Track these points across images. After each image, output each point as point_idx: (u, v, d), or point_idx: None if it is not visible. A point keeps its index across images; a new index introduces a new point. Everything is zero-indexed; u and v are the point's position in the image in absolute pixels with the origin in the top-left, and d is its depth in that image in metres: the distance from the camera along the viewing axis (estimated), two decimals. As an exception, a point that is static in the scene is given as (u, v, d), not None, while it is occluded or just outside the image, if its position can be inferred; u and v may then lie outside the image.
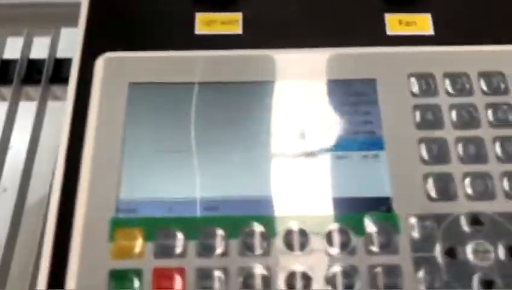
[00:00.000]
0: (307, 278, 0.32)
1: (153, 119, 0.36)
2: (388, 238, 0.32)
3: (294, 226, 0.33)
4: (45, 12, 0.53)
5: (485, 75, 0.37)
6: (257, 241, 0.32)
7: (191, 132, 0.35)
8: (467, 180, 0.34)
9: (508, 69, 0.37)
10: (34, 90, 0.51)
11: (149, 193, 0.34)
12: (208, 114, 0.36)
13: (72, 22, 0.40)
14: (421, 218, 0.33)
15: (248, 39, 0.38)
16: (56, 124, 0.40)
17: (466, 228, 0.33)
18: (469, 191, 0.34)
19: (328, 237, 0.33)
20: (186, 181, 0.34)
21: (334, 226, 0.33)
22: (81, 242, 0.32)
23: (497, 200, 0.33)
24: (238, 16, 0.39)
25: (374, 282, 0.31)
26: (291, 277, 0.32)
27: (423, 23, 0.39)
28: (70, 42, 0.45)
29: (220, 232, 0.33)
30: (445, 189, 0.34)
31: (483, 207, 0.33)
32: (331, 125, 0.36)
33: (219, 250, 0.32)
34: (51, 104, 0.50)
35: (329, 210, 0.33)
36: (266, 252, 0.32)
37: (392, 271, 0.32)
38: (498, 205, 0.33)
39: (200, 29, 0.39)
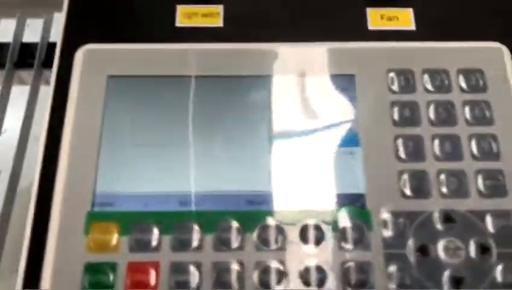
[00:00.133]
0: (281, 273, 0.32)
1: (131, 113, 0.36)
2: (361, 235, 0.33)
3: (270, 221, 0.33)
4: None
5: (464, 72, 0.37)
6: (232, 236, 0.33)
7: (169, 126, 0.35)
8: (441, 178, 0.34)
9: (488, 66, 0.37)
10: (27, 74, 0.51)
11: (126, 187, 0.34)
12: (187, 108, 0.36)
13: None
14: (394, 215, 0.33)
15: (228, 32, 0.38)
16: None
17: (438, 225, 0.33)
18: (443, 188, 0.34)
19: (303, 233, 0.33)
20: (163, 176, 0.34)
21: (309, 222, 0.33)
22: (57, 235, 0.33)
23: (471, 198, 0.34)
24: (219, 8, 0.39)
25: (345, 278, 0.32)
26: (265, 272, 0.32)
27: (405, 18, 0.39)
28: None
29: (195, 226, 0.33)
30: (419, 186, 0.34)
31: (456, 205, 0.34)
32: (309, 120, 0.36)
33: (194, 244, 0.33)
34: (44, 88, 0.50)
35: (304, 205, 0.34)
36: (241, 247, 0.33)
37: (364, 267, 0.32)
38: (471, 203, 0.34)
39: (180, 21, 0.39)
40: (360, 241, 0.33)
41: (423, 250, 0.33)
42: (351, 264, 0.32)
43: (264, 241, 0.33)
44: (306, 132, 0.35)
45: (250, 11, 0.39)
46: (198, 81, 0.37)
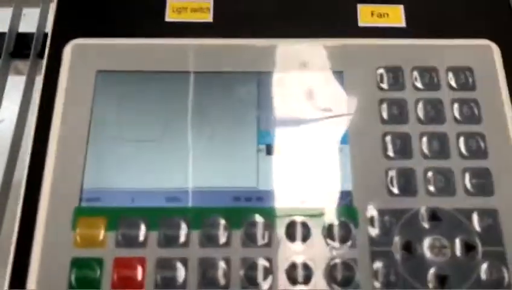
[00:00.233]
0: (267, 270, 0.32)
1: (120, 108, 0.36)
2: (347, 232, 0.33)
3: (257, 218, 0.33)
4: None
5: (454, 70, 0.37)
6: (219, 233, 0.33)
7: (157, 122, 0.35)
8: (428, 176, 0.34)
9: (478, 64, 0.37)
10: (23, 64, 0.51)
11: (113, 183, 0.34)
12: (175, 104, 0.36)
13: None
14: (381, 212, 0.33)
15: (218, 28, 0.38)
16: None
17: (424, 223, 0.33)
18: (430, 186, 0.34)
19: (290, 230, 0.33)
20: (150, 171, 0.34)
21: (296, 219, 0.33)
22: (44, 230, 0.33)
23: (457, 197, 0.34)
24: (208, 3, 0.39)
25: (331, 275, 0.32)
26: (251, 269, 0.32)
27: (395, 15, 0.39)
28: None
29: (181, 223, 0.33)
30: (406, 184, 0.34)
31: (442, 203, 0.34)
32: (298, 117, 0.36)
33: (180, 241, 0.33)
34: (40, 79, 0.50)
35: (291, 202, 0.34)
36: (228, 244, 0.33)
37: (349, 264, 0.32)
38: (458, 201, 0.34)
39: (170, 16, 0.39)
40: (347, 239, 0.33)
41: (409, 248, 0.33)
42: (337, 261, 0.32)
43: (250, 238, 0.33)
44: (294, 129, 0.35)
45: (239, 6, 0.39)
46: (187, 77, 0.37)
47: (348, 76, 0.37)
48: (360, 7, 0.39)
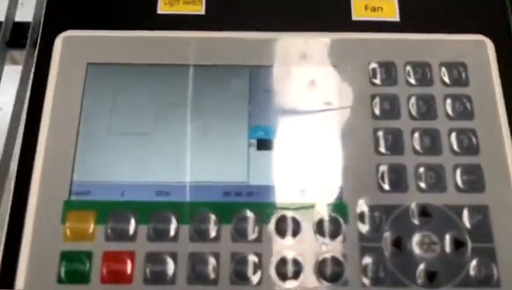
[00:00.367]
0: (256, 265, 0.32)
1: (110, 102, 0.35)
2: (337, 228, 0.33)
3: (247, 213, 0.33)
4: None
5: (447, 66, 0.37)
6: (209, 227, 0.33)
7: (148, 115, 0.35)
8: (420, 172, 0.34)
9: (471, 59, 0.37)
10: (19, 54, 0.51)
11: (103, 176, 0.34)
12: (166, 98, 0.36)
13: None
14: (371, 208, 0.33)
15: (210, 20, 0.38)
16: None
17: (414, 219, 0.33)
18: (420, 182, 0.34)
19: (279, 225, 0.33)
20: (140, 165, 0.34)
21: (286, 214, 0.33)
22: (33, 224, 0.33)
23: (448, 193, 0.34)
24: (201, -5, 0.39)
25: (320, 270, 0.32)
26: (241, 263, 0.32)
27: (389, 9, 0.39)
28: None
29: (171, 217, 0.33)
30: (397, 180, 0.34)
31: (433, 199, 0.34)
32: (289, 112, 0.36)
33: (170, 235, 0.33)
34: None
35: (281, 197, 0.34)
36: (217, 238, 0.33)
37: (339, 260, 0.32)
38: (448, 197, 0.34)
39: (162, 8, 0.38)
40: (336, 234, 0.33)
41: (399, 244, 0.33)
42: (327, 256, 0.32)
43: (240, 233, 0.33)
44: (285, 124, 0.35)
45: (232, -1, 0.39)
46: (178, 70, 0.36)
47: (340, 71, 0.36)
48: (354, 1, 0.39)
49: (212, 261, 0.32)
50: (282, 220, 0.33)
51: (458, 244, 0.33)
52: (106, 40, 0.37)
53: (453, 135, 0.35)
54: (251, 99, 0.36)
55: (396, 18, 0.38)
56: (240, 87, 0.36)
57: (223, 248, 0.32)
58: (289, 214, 0.33)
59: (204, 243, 0.32)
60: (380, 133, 0.35)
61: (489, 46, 0.37)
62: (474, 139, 0.35)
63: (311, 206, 0.33)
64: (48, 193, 0.33)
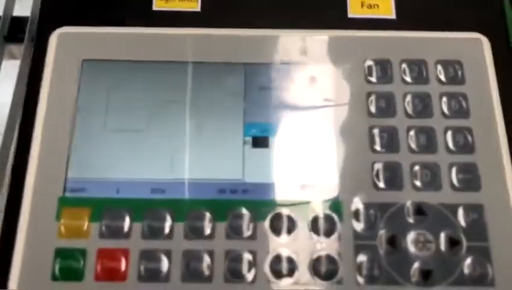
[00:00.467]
0: (251, 263, 0.32)
1: (105, 98, 0.35)
2: (331, 225, 0.33)
3: (242, 210, 0.33)
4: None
5: (443, 64, 0.37)
6: (203, 225, 0.33)
7: (143, 112, 0.35)
8: (415, 170, 0.34)
9: (467, 57, 0.37)
10: (17, 49, 0.51)
11: (98, 173, 0.34)
12: (161, 94, 0.36)
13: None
14: (366, 206, 0.33)
15: (206, 17, 0.38)
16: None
17: (409, 217, 0.33)
18: (416, 181, 0.34)
19: (274, 222, 0.33)
20: (135, 162, 0.34)
21: (280, 211, 0.33)
22: (28, 221, 0.33)
23: (443, 191, 0.34)
24: (196, -8, 0.38)
25: (315, 268, 0.32)
26: (235, 261, 0.32)
27: (385, 7, 0.38)
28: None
29: (166, 214, 0.33)
30: (392, 178, 0.34)
31: (428, 197, 0.33)
32: (284, 110, 0.35)
33: (164, 232, 0.32)
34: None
35: (276, 195, 0.33)
36: (212, 236, 0.33)
37: (333, 258, 0.32)
38: (443, 196, 0.34)
39: (157, 5, 0.38)
40: (331, 232, 0.33)
41: (393, 242, 0.33)
42: (321, 254, 0.32)
43: (235, 230, 0.33)
44: (280, 121, 0.35)
45: (227, -4, 0.38)
46: (173, 67, 0.36)
47: (336, 68, 0.36)
48: (350, -2, 0.39)
49: (206, 258, 0.32)
50: (277, 218, 0.33)
51: (453, 242, 0.33)
52: (101, 37, 0.37)
53: (449, 134, 0.35)
54: (246, 97, 0.36)
55: (392, 15, 0.38)
56: (235, 85, 0.36)
57: (218, 245, 0.32)
58: (284, 211, 0.33)
59: (199, 241, 0.32)
60: (376, 131, 0.35)
61: (486, 44, 0.37)
62: (469, 138, 0.35)
63: (306, 204, 0.33)
64: (42, 190, 0.33)
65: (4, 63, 0.50)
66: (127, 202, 0.33)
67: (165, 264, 0.32)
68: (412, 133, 0.35)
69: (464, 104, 0.36)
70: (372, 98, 0.36)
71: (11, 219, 0.33)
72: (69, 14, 0.38)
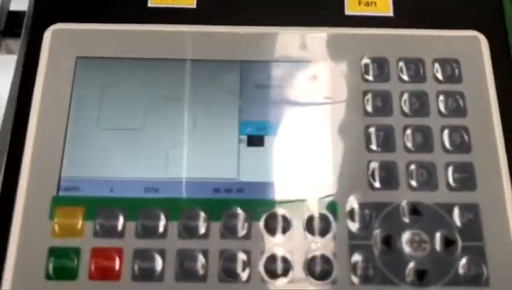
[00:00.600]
0: (245, 262, 0.32)
1: (99, 96, 0.35)
2: (326, 225, 0.33)
3: (236, 210, 0.33)
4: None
5: (440, 62, 0.36)
6: (197, 224, 0.33)
7: (137, 110, 0.35)
8: (411, 170, 0.34)
9: (464, 55, 0.36)
10: (14, 43, 0.51)
11: (92, 172, 0.34)
12: (157, 92, 0.35)
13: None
14: (361, 206, 0.33)
15: (201, 14, 0.37)
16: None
17: (405, 217, 0.33)
18: (411, 180, 0.34)
19: (269, 222, 0.33)
20: (129, 161, 0.34)
21: (275, 211, 0.33)
22: (21, 220, 0.32)
23: (439, 191, 0.33)
24: (192, -12, 0.38)
25: (310, 268, 0.32)
26: (230, 260, 0.32)
27: (383, 4, 0.38)
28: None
29: (160, 213, 0.33)
30: (388, 177, 0.34)
31: (424, 197, 0.33)
32: (279, 108, 0.35)
33: (158, 231, 0.32)
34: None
35: (271, 194, 0.33)
36: (206, 235, 0.32)
37: (328, 257, 0.32)
38: (439, 195, 0.33)
39: (153, 1, 0.38)
40: (326, 232, 0.33)
41: (388, 242, 0.33)
42: (316, 254, 0.32)
43: (229, 230, 0.33)
44: (275, 120, 0.35)
45: (224, -8, 0.38)
46: (168, 65, 0.36)
47: (332, 66, 0.36)
48: (348, -6, 0.38)
49: (200, 258, 0.32)
50: (272, 218, 0.33)
51: (448, 242, 0.32)
52: (96, 34, 0.37)
53: (445, 133, 0.35)
54: (242, 95, 0.35)
55: (390, 13, 0.38)
56: (230, 82, 0.36)
57: (212, 245, 0.32)
58: (279, 211, 0.33)
59: (193, 240, 0.32)
60: (372, 130, 0.35)
61: (483, 42, 0.37)
62: (466, 137, 0.35)
63: (301, 204, 0.33)
64: (36, 189, 0.33)
65: (1, 57, 0.50)
66: (120, 201, 0.33)
67: (159, 263, 0.32)
68: (408, 132, 0.35)
69: (461, 102, 0.35)
70: (369, 96, 0.35)
71: (4, 218, 0.32)
72: (63, 11, 0.37)
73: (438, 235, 0.33)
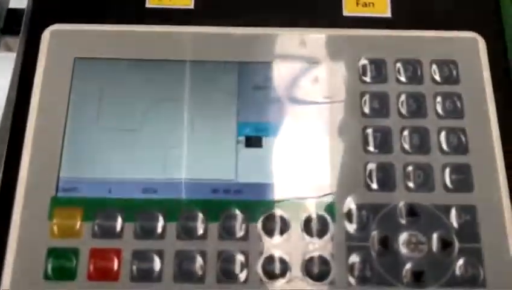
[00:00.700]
0: (243, 263, 0.32)
1: (98, 97, 0.35)
2: (324, 226, 0.33)
3: (234, 211, 0.33)
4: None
5: (438, 63, 0.36)
6: (196, 225, 0.33)
7: (136, 111, 0.35)
8: (408, 171, 0.34)
9: (462, 56, 0.37)
10: (13, 41, 0.51)
11: (90, 173, 0.34)
12: (155, 93, 0.35)
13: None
14: (358, 207, 0.33)
15: (199, 14, 0.38)
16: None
17: (402, 218, 0.33)
18: (409, 182, 0.34)
19: (267, 223, 0.33)
20: (128, 162, 0.34)
21: (273, 212, 0.33)
22: (20, 220, 0.33)
23: (436, 192, 0.34)
24: (190, -11, 0.38)
25: (307, 269, 0.32)
26: (228, 261, 0.32)
27: (381, 5, 0.38)
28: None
29: (158, 214, 0.33)
30: (385, 179, 0.34)
31: (421, 198, 0.33)
32: (277, 109, 0.35)
33: (157, 232, 0.32)
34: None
35: (269, 195, 0.33)
36: (204, 236, 0.33)
37: (325, 259, 0.32)
38: (436, 197, 0.34)
39: (151, 2, 0.38)
40: (323, 233, 0.33)
41: (385, 243, 0.33)
42: (314, 255, 0.32)
43: (227, 231, 0.33)
44: (273, 121, 0.35)
45: (222, -7, 0.38)
46: (167, 66, 0.36)
47: (330, 67, 0.36)
48: (346, -5, 0.38)
49: (199, 259, 0.32)
50: (269, 219, 0.33)
51: (445, 244, 0.33)
52: (94, 34, 0.37)
53: (443, 134, 0.35)
54: (240, 96, 0.35)
55: (387, 14, 0.38)
56: (228, 83, 0.36)
57: (210, 246, 0.32)
58: (277, 212, 0.33)
59: (191, 241, 0.32)
60: (369, 131, 0.35)
61: (481, 43, 0.37)
62: (463, 138, 0.35)
63: (299, 205, 0.33)
64: (34, 189, 0.33)
65: (0, 55, 0.50)
66: (119, 201, 0.33)
67: (157, 264, 0.32)
68: (405, 133, 0.35)
69: (458, 104, 0.35)
70: (366, 97, 0.35)
71: (3, 218, 0.33)
72: (61, 11, 0.37)
73: (435, 236, 0.33)
